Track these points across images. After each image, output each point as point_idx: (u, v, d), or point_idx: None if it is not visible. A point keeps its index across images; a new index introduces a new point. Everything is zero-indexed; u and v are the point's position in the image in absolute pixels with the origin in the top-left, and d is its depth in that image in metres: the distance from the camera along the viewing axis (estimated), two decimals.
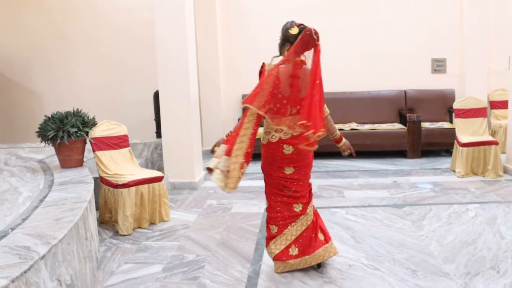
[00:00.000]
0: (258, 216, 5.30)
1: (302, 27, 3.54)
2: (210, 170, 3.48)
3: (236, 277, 3.82)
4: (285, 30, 3.62)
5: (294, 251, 3.78)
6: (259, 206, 5.67)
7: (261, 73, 3.66)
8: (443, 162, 7.80)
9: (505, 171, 6.86)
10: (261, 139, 3.78)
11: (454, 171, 7.01)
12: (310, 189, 3.91)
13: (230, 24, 9.00)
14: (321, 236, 3.83)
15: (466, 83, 8.77)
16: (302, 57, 3.60)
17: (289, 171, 3.76)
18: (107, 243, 4.66)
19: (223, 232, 4.88)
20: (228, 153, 3.46)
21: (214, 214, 5.49)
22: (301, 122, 3.42)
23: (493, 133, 8.24)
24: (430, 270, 3.85)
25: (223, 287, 3.65)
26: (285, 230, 3.79)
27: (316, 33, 3.44)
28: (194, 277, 3.84)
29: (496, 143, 6.79)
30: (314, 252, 3.76)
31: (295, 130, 3.61)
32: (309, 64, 3.55)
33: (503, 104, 8.27)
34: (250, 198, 6.02)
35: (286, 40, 3.62)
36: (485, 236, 4.51)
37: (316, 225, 3.84)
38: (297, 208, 3.79)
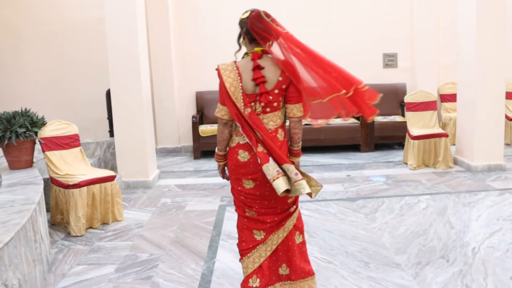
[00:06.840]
0: (212, 214, 5.29)
1: (252, 9, 3.10)
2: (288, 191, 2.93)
3: (190, 275, 3.80)
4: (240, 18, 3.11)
5: (254, 282, 3.10)
6: (214, 203, 5.65)
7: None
8: (396, 155, 7.94)
9: (455, 162, 7.04)
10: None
11: (406, 163, 7.15)
12: (290, 217, 3.15)
13: (183, 21, 8.91)
14: (282, 271, 3.15)
15: (417, 77, 8.95)
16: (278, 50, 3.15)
17: (248, 184, 3.07)
18: (59, 245, 4.57)
19: (177, 230, 4.84)
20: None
21: (168, 212, 5.44)
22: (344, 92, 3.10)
23: (443, 126, 8.44)
24: (382, 261, 3.92)
25: (176, 286, 3.63)
26: (245, 258, 3.14)
27: (267, 14, 3.08)
28: (148, 276, 3.80)
29: (446, 135, 6.95)
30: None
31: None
32: (279, 54, 3.07)
33: (452, 97, 8.46)
34: (205, 196, 5.99)
35: (241, 27, 3.09)
36: (435, 226, 4.62)
37: (279, 255, 3.15)
38: (258, 235, 3.12)
